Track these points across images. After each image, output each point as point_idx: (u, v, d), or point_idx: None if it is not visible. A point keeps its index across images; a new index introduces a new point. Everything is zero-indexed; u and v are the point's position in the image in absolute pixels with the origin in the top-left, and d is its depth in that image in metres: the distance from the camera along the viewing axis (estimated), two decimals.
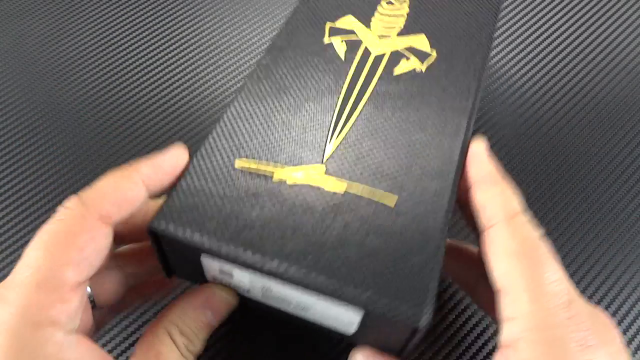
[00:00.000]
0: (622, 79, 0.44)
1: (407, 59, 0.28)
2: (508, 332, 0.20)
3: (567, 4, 0.48)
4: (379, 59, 0.28)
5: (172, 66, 0.44)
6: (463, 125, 0.26)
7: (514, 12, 0.48)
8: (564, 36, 0.46)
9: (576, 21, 0.47)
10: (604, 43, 0.46)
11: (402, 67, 0.27)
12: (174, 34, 0.46)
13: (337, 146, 0.25)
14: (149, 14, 0.47)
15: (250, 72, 0.27)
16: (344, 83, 0.27)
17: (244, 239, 0.22)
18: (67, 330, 0.20)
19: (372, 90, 0.27)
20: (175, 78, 0.43)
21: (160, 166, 0.23)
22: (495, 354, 0.20)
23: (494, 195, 0.23)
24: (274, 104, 0.26)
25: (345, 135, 0.25)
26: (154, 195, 0.23)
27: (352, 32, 0.29)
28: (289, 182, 0.23)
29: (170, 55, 0.45)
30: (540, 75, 0.44)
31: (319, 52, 0.28)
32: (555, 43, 0.46)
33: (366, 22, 0.29)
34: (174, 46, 0.45)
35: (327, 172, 0.24)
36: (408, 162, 0.24)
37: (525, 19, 0.48)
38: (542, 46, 0.46)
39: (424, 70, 0.27)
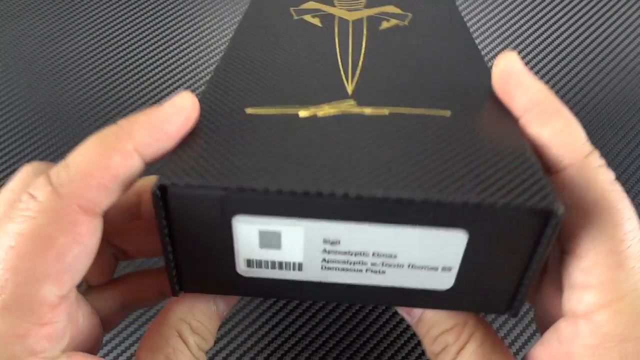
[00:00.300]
0: (622, 79, 0.44)
1: (387, 20, 0.26)
2: (582, 301, 0.17)
3: (567, 4, 0.48)
4: (358, 22, 0.26)
5: (172, 66, 0.44)
6: (472, 42, 0.24)
7: (514, 12, 0.48)
8: (564, 36, 0.46)
9: (576, 21, 0.47)
10: (604, 43, 0.46)
11: (385, 25, 0.26)
12: (174, 34, 0.46)
13: (358, 82, 0.21)
14: (149, 14, 0.47)
15: (227, 44, 0.25)
16: (334, 37, 0.24)
17: (291, 174, 0.16)
18: (51, 356, 0.16)
19: (367, 38, 0.24)
20: (175, 78, 0.43)
21: (161, 128, 0.17)
22: (559, 323, 0.18)
23: (558, 130, 0.18)
24: (269, 62, 0.22)
25: (360, 72, 0.22)
26: (152, 163, 0.18)
27: (318, 10, 0.28)
28: (320, 114, 0.19)
29: (170, 55, 0.45)
30: (541, 75, 0.44)
31: (292, 24, 0.26)
32: (555, 43, 0.46)
33: (329, 3, 0.29)
34: (174, 46, 0.45)
35: (360, 105, 0.20)
36: (442, 80, 0.21)
37: (525, 19, 0.48)
38: (542, 46, 0.46)
39: (407, 24, 0.26)
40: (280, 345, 0.31)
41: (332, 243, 0.17)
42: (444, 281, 0.17)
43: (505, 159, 0.17)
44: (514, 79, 0.19)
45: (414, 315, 0.20)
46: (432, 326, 0.19)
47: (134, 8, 0.48)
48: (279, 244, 0.17)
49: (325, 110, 0.19)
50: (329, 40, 0.24)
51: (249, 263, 0.17)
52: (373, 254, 0.17)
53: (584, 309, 0.17)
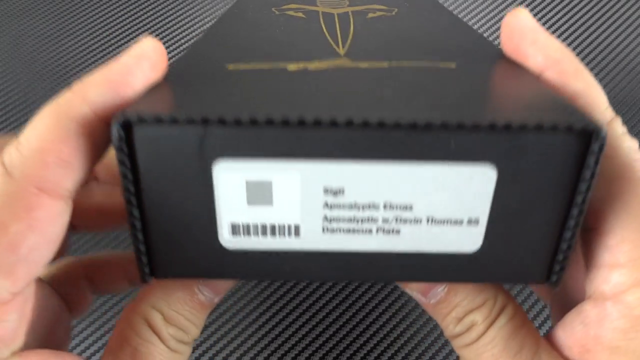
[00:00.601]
0: (622, 79, 0.44)
1: (373, 12, 0.24)
2: (610, 281, 0.15)
3: (567, 4, 0.48)
4: (343, 14, 0.24)
5: None
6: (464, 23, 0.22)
7: None
8: (564, 36, 0.46)
9: (576, 21, 0.47)
10: (604, 43, 0.46)
11: (371, 15, 0.24)
12: (174, 34, 0.46)
13: (350, 46, 0.19)
14: (149, 14, 0.47)
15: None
16: (320, 23, 0.22)
17: (283, 104, 0.14)
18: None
19: (354, 24, 0.22)
20: None
21: (122, 83, 0.14)
22: (584, 306, 0.16)
23: (578, 93, 0.16)
24: (250, 37, 0.20)
25: (352, 40, 0.19)
26: None
27: (301, 8, 0.26)
28: (311, 67, 0.16)
29: (170, 55, 0.45)
30: None
31: (275, 16, 0.23)
32: None
33: (312, 4, 0.28)
34: (174, 46, 0.45)
35: (355, 61, 0.17)
36: (441, 43, 0.19)
37: None
38: None
39: (394, 15, 0.24)
40: (280, 345, 0.32)
41: (335, 193, 0.14)
42: (471, 240, 0.14)
43: (528, 94, 0.15)
44: (527, 36, 0.17)
45: (432, 296, 0.17)
46: (457, 306, 0.17)
47: (134, 8, 0.48)
48: (270, 199, 0.14)
49: (317, 64, 0.17)
50: (315, 24, 0.22)
51: (235, 229, 0.14)
52: (384, 206, 0.14)
53: (613, 290, 0.15)
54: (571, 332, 0.16)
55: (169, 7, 0.48)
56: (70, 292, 0.20)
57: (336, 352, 0.31)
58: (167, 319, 0.16)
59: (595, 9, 0.48)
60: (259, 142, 0.13)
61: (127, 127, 0.13)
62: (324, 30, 0.21)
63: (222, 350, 0.31)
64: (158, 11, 0.47)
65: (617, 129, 0.16)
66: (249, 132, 0.13)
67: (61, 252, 0.20)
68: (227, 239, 0.14)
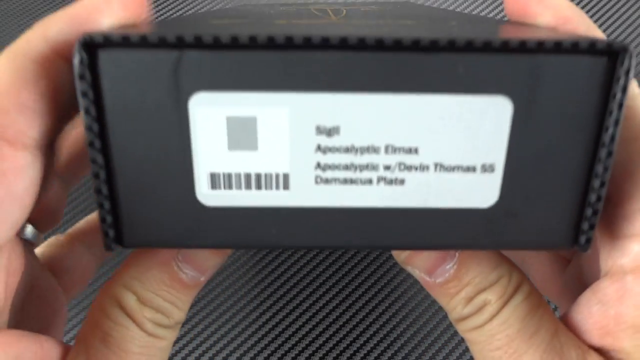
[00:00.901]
0: None
1: (367, 7, 0.23)
2: (630, 252, 0.14)
3: None
4: (336, 9, 0.22)
5: None
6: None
7: None
8: None
9: None
10: None
11: (364, 9, 0.22)
12: None
13: (345, 16, 0.17)
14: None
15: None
16: (312, 11, 0.20)
17: (270, 27, 0.13)
18: None
19: (347, 12, 0.20)
20: None
21: (88, 20, 0.12)
22: (600, 284, 0.15)
23: None
24: (239, 14, 0.19)
25: (345, 14, 0.18)
26: None
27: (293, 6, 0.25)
28: (302, 22, 0.15)
29: None
30: None
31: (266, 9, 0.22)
32: None
33: (304, 6, 0.28)
34: None
35: (347, 20, 0.16)
36: (439, 16, 0.18)
37: None
38: None
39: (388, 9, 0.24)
40: (280, 345, 0.32)
41: (329, 133, 0.12)
42: (486, 192, 0.12)
43: (543, 31, 0.13)
44: None
45: (439, 275, 0.15)
46: (467, 285, 0.15)
47: None
48: (254, 142, 0.12)
49: (306, 22, 0.15)
50: (306, 11, 0.20)
51: (214, 180, 0.12)
52: (386, 150, 0.12)
53: (633, 263, 0.14)
54: (588, 313, 0.15)
55: (169, 7, 0.48)
56: (66, 269, 0.18)
57: (336, 352, 0.31)
58: (142, 301, 0.14)
59: (596, 8, 0.48)
60: (242, 68, 0.11)
61: (91, 51, 0.11)
62: (315, 13, 0.19)
63: (222, 350, 0.31)
64: (158, 12, 0.48)
65: (632, 88, 0.14)
66: (229, 56, 0.11)
67: (56, 219, 0.18)
68: (205, 193, 0.12)
